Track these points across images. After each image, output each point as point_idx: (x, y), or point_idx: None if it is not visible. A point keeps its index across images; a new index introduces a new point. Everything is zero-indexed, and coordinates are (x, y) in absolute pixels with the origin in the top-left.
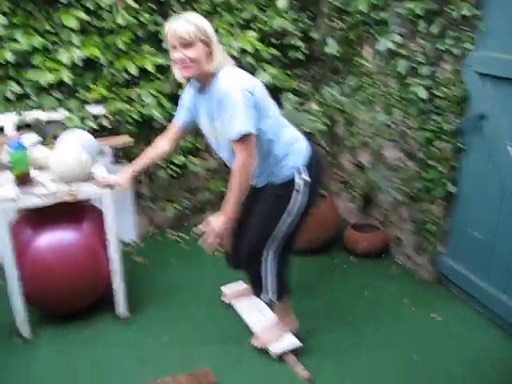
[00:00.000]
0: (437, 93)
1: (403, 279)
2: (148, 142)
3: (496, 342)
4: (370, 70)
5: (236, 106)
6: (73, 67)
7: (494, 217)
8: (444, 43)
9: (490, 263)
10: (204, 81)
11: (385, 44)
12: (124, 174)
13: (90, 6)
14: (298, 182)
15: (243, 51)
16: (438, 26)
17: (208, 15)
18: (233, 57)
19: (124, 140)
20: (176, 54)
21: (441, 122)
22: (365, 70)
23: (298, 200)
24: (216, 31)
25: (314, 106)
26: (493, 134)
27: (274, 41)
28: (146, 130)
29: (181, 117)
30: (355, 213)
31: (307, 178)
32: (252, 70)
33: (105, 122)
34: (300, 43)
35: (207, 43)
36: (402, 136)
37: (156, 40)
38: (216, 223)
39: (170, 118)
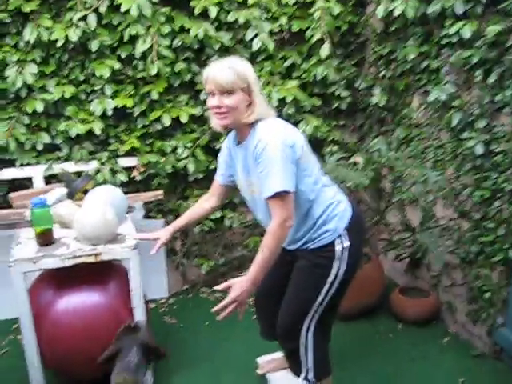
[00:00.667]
0: (495, 148)
1: (458, 352)
2: (181, 196)
3: None
4: (419, 122)
5: (273, 162)
6: (105, 118)
7: None
8: (504, 94)
9: None
10: (242, 132)
11: (437, 95)
12: (166, 230)
13: (123, 54)
14: (339, 249)
15: (283, 101)
16: (496, 76)
17: None
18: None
19: (155, 194)
20: (213, 101)
21: (500, 180)
22: (414, 122)
23: (339, 269)
24: None
25: (359, 160)
26: None
27: (316, 90)
28: (180, 182)
29: (220, 173)
30: (402, 275)
31: (348, 243)
32: (293, 121)
33: (136, 175)
34: (344, 93)
35: (248, 92)
36: (455, 194)
37: (191, 89)
38: (240, 286)
39: (205, 170)
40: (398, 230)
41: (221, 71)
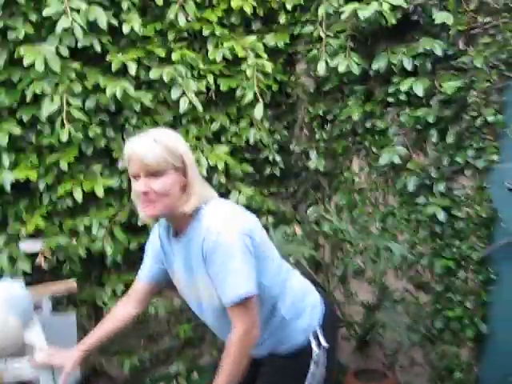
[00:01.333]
0: (457, 213)
1: None
2: (97, 282)
3: None
4: (362, 187)
5: (231, 260)
6: (2, 193)
7: None
8: (465, 155)
9: None
10: (178, 222)
11: (389, 157)
12: (72, 354)
13: (25, 117)
14: (316, 350)
15: (213, 168)
16: (454, 135)
17: (171, 128)
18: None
19: (68, 286)
20: (138, 186)
21: (464, 248)
22: (356, 187)
23: (316, 374)
24: None
25: (298, 230)
26: None
27: (247, 155)
28: (95, 267)
29: (146, 271)
30: (354, 356)
31: (325, 344)
32: (224, 191)
33: (42, 263)
34: (277, 157)
35: (182, 171)
36: (410, 264)
37: (107, 157)
38: None
39: (125, 252)
40: (344, 304)
41: (147, 148)
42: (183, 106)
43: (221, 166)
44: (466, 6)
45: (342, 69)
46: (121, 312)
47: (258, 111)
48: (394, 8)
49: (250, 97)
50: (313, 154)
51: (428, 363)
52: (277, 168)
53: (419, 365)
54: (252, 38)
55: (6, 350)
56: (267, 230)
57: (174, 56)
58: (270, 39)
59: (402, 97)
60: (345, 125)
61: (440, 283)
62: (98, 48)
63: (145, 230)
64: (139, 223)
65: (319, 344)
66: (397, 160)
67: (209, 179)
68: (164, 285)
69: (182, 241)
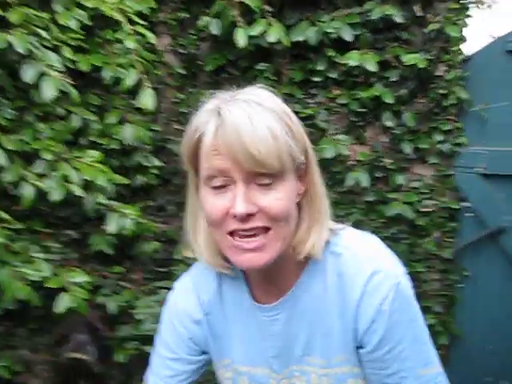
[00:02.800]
0: (419, 208)
1: None
2: None
3: None
4: None
5: (419, 321)
6: None
7: None
8: (429, 140)
9: None
10: (276, 273)
11: (335, 150)
12: None
13: None
14: None
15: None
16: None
17: (17, 126)
18: None
19: None
20: (231, 204)
21: (430, 246)
22: None
23: None
24: None
25: (187, 254)
26: None
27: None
28: None
29: (176, 376)
30: None
31: None
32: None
33: None
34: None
35: (303, 173)
36: None
37: None
38: None
39: None
40: None
41: (258, 127)
42: (49, 91)
43: (101, 181)
44: None
45: (271, 39)
46: None
47: (148, 100)
48: None
49: (131, 80)
50: None
51: None
52: (152, 176)
53: None
54: None
55: None
56: None
57: (14, 16)
58: (132, 3)
59: (334, 75)
60: None
61: None
62: None
63: None
64: None
65: None
66: (345, 151)
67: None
68: None
69: (283, 305)
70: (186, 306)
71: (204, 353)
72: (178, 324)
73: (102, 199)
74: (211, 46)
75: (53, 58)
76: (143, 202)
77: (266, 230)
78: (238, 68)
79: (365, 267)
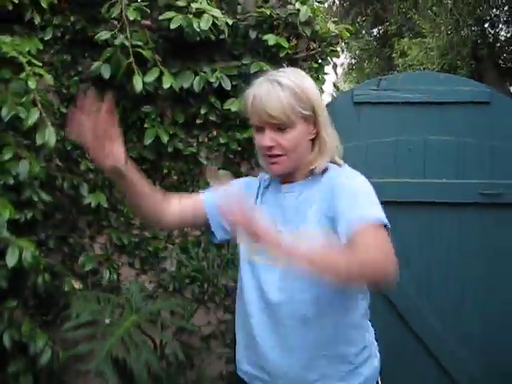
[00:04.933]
0: None
1: None
2: None
3: None
4: None
5: (371, 194)
6: None
7: None
8: None
9: None
10: (294, 175)
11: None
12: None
13: None
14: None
15: None
16: None
17: None
18: None
19: None
20: (263, 140)
21: None
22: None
23: None
24: None
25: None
26: None
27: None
28: None
29: (210, 196)
30: None
31: None
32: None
33: None
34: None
35: (313, 120)
36: None
37: None
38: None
39: None
40: None
41: (272, 97)
42: None
43: (4, 214)
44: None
45: (166, 85)
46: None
47: (50, 138)
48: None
49: (34, 118)
50: (84, 189)
51: None
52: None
53: None
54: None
55: None
56: None
57: None
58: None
59: (214, 118)
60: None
61: None
62: None
63: None
64: None
65: None
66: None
67: None
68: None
69: (296, 186)
70: (251, 183)
71: None
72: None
73: (4, 233)
74: (91, 87)
75: None
76: (27, 236)
77: (282, 155)
78: (123, 109)
79: (346, 172)
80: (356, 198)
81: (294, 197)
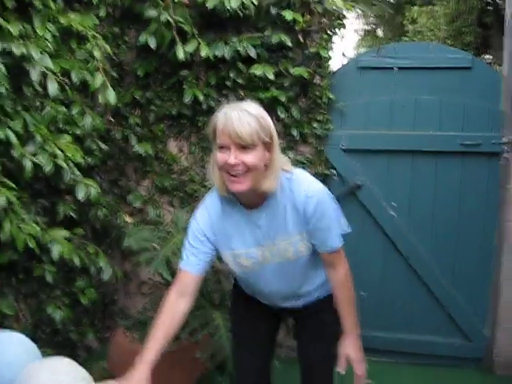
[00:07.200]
0: None
1: None
2: None
3: None
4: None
5: (332, 216)
6: None
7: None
8: (310, 126)
9: None
10: (253, 195)
11: None
12: (141, 372)
13: None
14: None
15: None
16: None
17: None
18: None
19: None
20: (228, 158)
21: None
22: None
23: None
24: None
25: (129, 219)
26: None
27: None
28: None
29: (196, 263)
30: None
31: None
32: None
33: None
34: (102, 145)
35: (269, 147)
36: None
37: None
38: (357, 346)
39: None
40: None
41: (243, 121)
42: (52, 88)
43: (77, 158)
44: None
45: (203, 54)
46: (176, 310)
47: (111, 97)
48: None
49: (99, 82)
50: (133, 140)
51: None
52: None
53: None
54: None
55: None
56: None
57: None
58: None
59: (241, 80)
60: (162, 110)
61: None
62: None
63: None
64: None
65: None
66: None
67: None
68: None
69: (263, 209)
70: (202, 223)
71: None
72: (198, 233)
73: (76, 172)
74: (137, 55)
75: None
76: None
77: (244, 173)
78: (163, 74)
79: (304, 185)
80: (329, 226)
81: (265, 217)
